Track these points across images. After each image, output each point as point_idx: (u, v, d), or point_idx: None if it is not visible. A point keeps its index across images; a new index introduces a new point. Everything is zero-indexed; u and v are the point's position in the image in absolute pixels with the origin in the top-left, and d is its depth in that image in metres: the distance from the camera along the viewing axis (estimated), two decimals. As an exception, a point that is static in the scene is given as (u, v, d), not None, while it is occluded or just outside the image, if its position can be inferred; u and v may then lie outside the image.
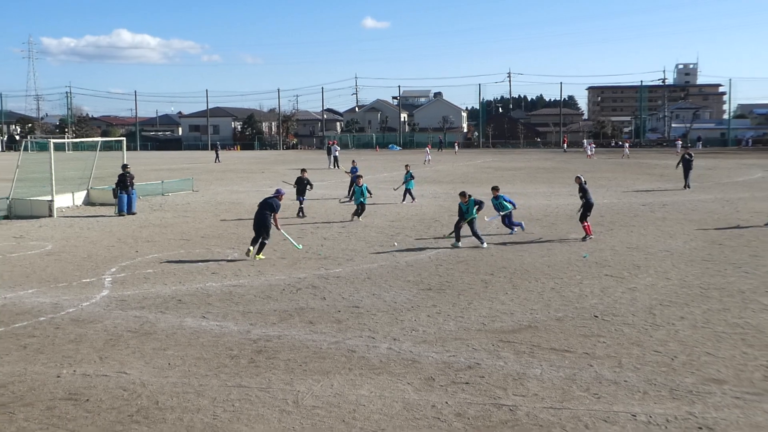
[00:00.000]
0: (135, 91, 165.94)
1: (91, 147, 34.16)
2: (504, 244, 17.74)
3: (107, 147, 35.76)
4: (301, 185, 23.41)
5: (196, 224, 22.01)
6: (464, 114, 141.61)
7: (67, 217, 23.97)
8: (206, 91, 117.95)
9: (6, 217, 23.66)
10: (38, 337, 10.16)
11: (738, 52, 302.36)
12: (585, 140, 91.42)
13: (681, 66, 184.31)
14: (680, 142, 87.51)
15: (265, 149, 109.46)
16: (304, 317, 11.10)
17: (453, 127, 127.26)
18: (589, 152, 71.03)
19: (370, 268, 14.81)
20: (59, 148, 28.13)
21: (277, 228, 16.13)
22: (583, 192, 18.52)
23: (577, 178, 19.25)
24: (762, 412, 7.27)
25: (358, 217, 22.42)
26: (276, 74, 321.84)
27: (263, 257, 15.93)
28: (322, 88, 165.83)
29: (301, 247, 16.98)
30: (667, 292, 12.57)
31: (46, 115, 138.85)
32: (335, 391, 7.99)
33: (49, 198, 24.42)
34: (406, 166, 29.54)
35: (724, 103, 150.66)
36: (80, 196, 27.57)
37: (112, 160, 29.18)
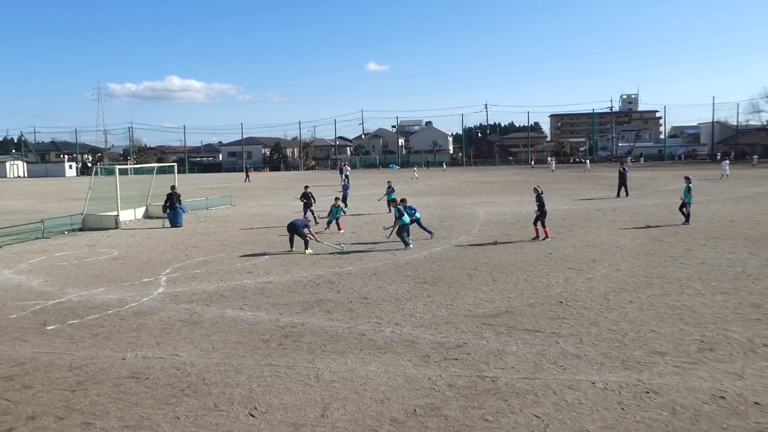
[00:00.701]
0: (184, 126, 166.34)
1: (149, 171, 34.17)
2: (483, 245, 17.67)
3: (162, 171, 35.67)
4: (307, 198, 23.31)
5: (234, 233, 21.97)
6: (450, 138, 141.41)
7: (130, 228, 23.93)
8: (241, 124, 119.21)
9: (81, 229, 23.67)
10: (107, 327, 10.14)
11: (670, 85, 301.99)
12: (549, 158, 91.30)
13: (625, 96, 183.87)
14: (630, 158, 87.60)
15: (289, 170, 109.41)
16: (322, 307, 11.06)
17: (441, 149, 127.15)
18: (553, 168, 71.01)
19: (376, 266, 14.75)
20: (123, 172, 28.15)
21: (317, 240, 17.27)
22: (540, 201, 17.97)
23: (535, 189, 18.57)
24: (697, 377, 7.23)
25: (327, 226, 21.35)
26: (297, 109, 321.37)
27: (311, 251, 16.88)
28: (335, 119, 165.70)
29: (343, 247, 17.02)
30: (618, 281, 12.51)
31: (113, 146, 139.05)
32: (349, 367, 7.94)
33: (115, 213, 24.42)
34: (388, 182, 29.14)
35: (661, 125, 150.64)
36: (140, 212, 27.57)
37: (166, 182, 29.13)
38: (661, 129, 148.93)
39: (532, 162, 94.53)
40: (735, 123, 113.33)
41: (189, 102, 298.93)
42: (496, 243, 17.73)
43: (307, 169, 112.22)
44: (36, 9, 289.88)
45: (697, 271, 13.21)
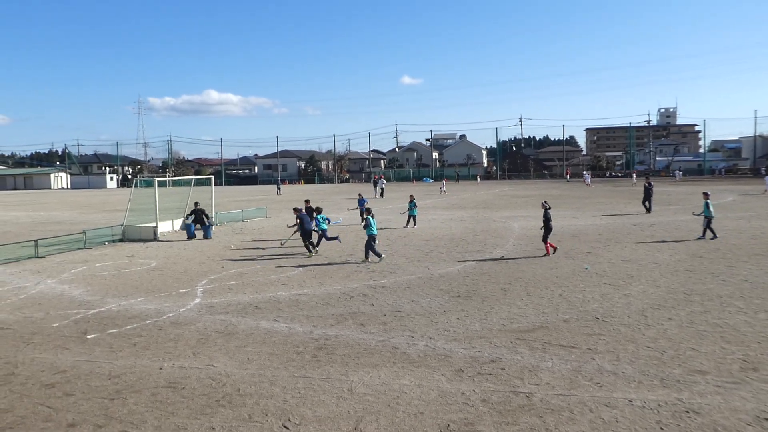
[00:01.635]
0: (221, 139, 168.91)
1: (187, 183, 34.73)
2: (518, 258, 17.50)
3: (199, 183, 36.28)
4: (308, 213, 22.98)
5: (269, 245, 22.16)
6: (484, 152, 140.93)
7: (168, 240, 24.31)
8: (277, 137, 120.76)
9: (121, 240, 24.14)
10: (145, 337, 10.30)
11: (710, 98, 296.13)
12: (584, 172, 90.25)
13: (663, 109, 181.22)
14: (679, 172, 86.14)
15: (324, 183, 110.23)
16: (356, 320, 11.07)
17: (475, 162, 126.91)
18: (588, 182, 70.09)
19: (409, 280, 14.72)
20: (162, 184, 28.62)
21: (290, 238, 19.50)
22: (546, 216, 17.83)
23: (543, 204, 18.44)
24: (739, 398, 7.03)
25: (331, 239, 19.89)
26: (331, 122, 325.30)
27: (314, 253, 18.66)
28: (369, 133, 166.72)
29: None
30: (656, 297, 12.26)
31: (152, 159, 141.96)
32: (382, 381, 7.92)
33: (153, 225, 24.81)
34: (411, 196, 28.35)
35: (700, 139, 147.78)
36: (178, 223, 27.88)
37: (203, 194, 29.61)
38: (701, 143, 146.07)
39: (568, 176, 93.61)
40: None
41: (226, 115, 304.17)
42: (502, 258, 17.43)
43: (342, 181, 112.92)
44: (80, 26, 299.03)
45: (739, 288, 12.87)
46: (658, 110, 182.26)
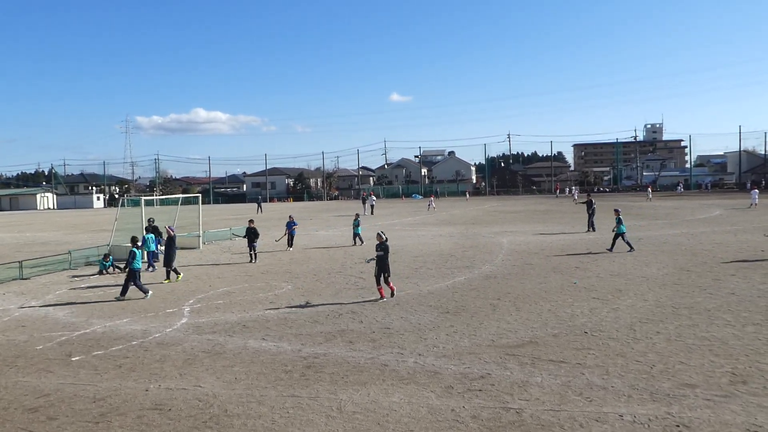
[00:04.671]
0: (209, 157, 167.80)
1: (174, 202, 34.60)
2: (507, 273, 17.51)
3: (186, 202, 36.13)
4: (251, 234, 22.77)
5: (257, 262, 22.05)
6: (473, 168, 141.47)
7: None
8: (265, 155, 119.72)
9: (107, 261, 23.88)
10: (130, 358, 10.19)
11: (695, 114, 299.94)
12: (573, 187, 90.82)
13: (649, 125, 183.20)
14: (680, 186, 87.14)
15: (313, 200, 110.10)
16: (345, 338, 11.01)
17: (464, 179, 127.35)
18: (575, 197, 70.56)
19: (398, 296, 14.66)
20: (149, 203, 28.53)
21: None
22: (383, 249, 14.32)
23: (379, 235, 14.65)
24: (729, 411, 7.03)
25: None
26: (320, 140, 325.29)
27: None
28: (358, 150, 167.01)
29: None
30: (644, 311, 12.29)
31: (139, 178, 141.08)
32: (371, 398, 7.87)
33: (140, 244, 24.52)
34: (356, 214, 28.06)
35: (686, 154, 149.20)
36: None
37: (191, 212, 29.48)
38: (687, 158, 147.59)
39: (557, 191, 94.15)
40: (763, 152, 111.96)
41: (214, 133, 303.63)
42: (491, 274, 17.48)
43: (331, 199, 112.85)
44: (65, 46, 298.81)
45: (727, 301, 12.93)
46: (645, 126, 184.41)
